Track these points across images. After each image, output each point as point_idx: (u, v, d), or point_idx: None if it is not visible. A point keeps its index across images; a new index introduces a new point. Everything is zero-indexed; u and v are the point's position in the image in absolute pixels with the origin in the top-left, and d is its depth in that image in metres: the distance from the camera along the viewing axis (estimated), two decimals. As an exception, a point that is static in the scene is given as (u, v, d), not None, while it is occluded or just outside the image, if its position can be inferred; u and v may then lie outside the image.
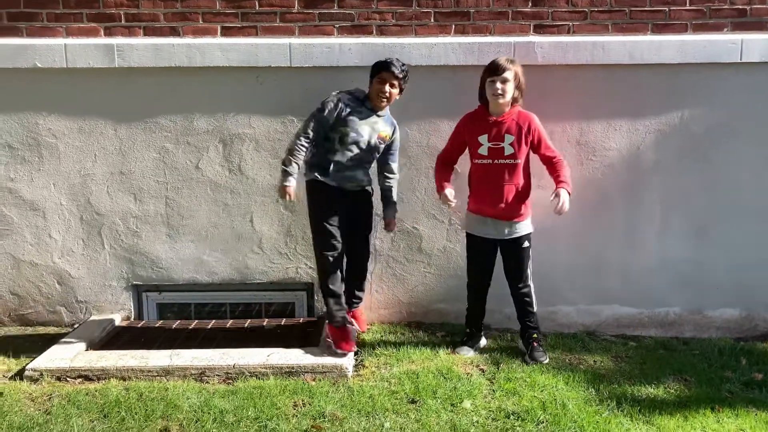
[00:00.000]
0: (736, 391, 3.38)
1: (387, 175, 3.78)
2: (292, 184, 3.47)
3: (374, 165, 3.73)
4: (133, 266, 4.19)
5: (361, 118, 3.50)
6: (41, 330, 4.18)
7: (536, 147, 3.55)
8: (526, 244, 3.61)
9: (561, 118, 3.96)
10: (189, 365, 3.44)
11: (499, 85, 3.42)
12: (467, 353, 3.70)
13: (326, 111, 3.47)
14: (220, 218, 4.14)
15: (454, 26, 3.93)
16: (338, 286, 3.63)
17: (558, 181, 3.48)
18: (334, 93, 3.52)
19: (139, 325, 4.12)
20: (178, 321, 4.19)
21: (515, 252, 3.62)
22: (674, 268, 4.12)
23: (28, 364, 3.49)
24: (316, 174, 3.53)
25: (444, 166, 3.69)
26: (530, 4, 3.92)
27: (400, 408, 3.12)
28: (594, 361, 3.72)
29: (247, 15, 3.93)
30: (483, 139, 3.51)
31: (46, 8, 3.92)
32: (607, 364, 3.69)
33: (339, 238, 3.56)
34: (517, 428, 2.95)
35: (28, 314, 4.24)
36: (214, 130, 4.04)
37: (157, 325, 4.13)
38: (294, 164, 3.46)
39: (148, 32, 3.94)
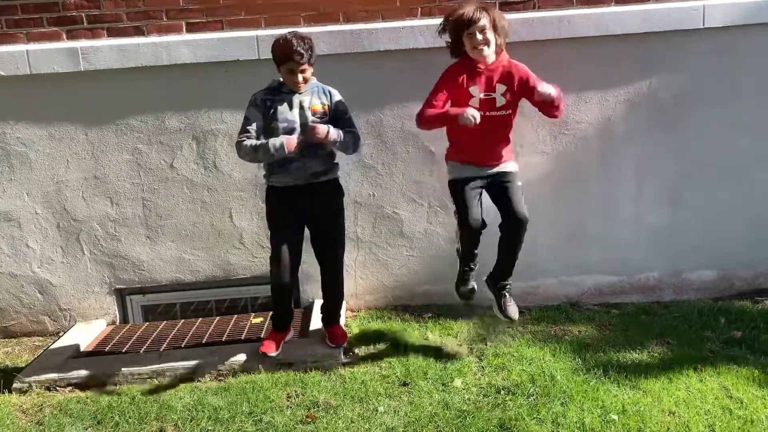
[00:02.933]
0: (717, 350, 3.48)
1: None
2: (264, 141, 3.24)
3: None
4: (114, 270, 4.16)
5: (285, 105, 3.25)
6: (26, 341, 4.14)
7: (529, 87, 3.22)
8: (519, 183, 3.34)
9: (532, 94, 3.99)
10: (179, 365, 3.44)
11: (479, 36, 3.14)
12: (471, 286, 3.50)
13: (250, 117, 3.26)
14: (198, 216, 4.12)
15: (420, 9, 3.93)
16: (280, 296, 3.47)
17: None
18: (250, 100, 3.31)
19: (125, 329, 4.10)
20: (165, 322, 4.17)
21: (507, 188, 3.30)
22: (651, 234, 4.20)
23: (15, 376, 3.47)
24: (269, 180, 3.36)
25: (436, 110, 3.25)
26: (494, -19, 3.93)
27: (393, 391, 3.16)
28: (579, 331, 3.79)
29: (212, 10, 3.88)
30: (474, 90, 3.21)
31: (4, 15, 3.83)
32: (592, 333, 3.76)
33: (289, 248, 3.35)
34: (508, 402, 3.01)
35: (11, 326, 4.19)
36: (187, 128, 4.01)
37: (144, 327, 4.11)
38: (246, 139, 3.24)
39: (112, 33, 3.88)
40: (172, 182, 4.07)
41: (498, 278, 3.47)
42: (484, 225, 3.33)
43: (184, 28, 3.90)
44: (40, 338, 4.15)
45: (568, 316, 4.01)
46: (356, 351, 3.62)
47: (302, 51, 3.15)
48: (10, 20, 3.85)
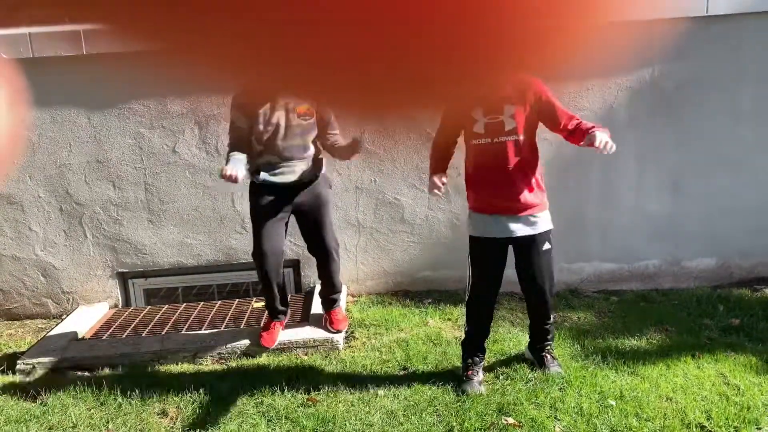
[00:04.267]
0: (714, 338, 3.50)
1: (330, 134, 3.28)
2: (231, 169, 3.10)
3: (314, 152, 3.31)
4: (117, 254, 4.18)
5: (268, 106, 3.15)
6: (29, 323, 4.17)
7: (549, 114, 2.77)
8: (547, 245, 2.88)
9: (534, 80, 3.99)
10: (181, 348, 3.47)
11: None
12: (478, 390, 3.00)
13: (238, 122, 3.20)
14: (200, 201, 4.13)
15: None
16: (270, 288, 3.43)
17: (588, 129, 2.65)
18: (234, 102, 3.23)
19: (127, 312, 4.13)
20: (167, 305, 4.20)
21: (533, 256, 2.89)
22: (651, 222, 4.22)
23: (19, 357, 3.50)
24: (253, 176, 3.31)
25: (439, 154, 2.93)
26: (498, -33, 3.91)
27: (393, 375, 3.19)
28: (578, 317, 3.81)
29: (214, -7, 3.87)
30: (477, 113, 2.77)
31: (7, -3, 3.83)
32: (591, 319, 3.79)
33: (272, 241, 3.33)
34: (507, 387, 3.04)
35: (15, 308, 4.23)
36: (189, 113, 4.01)
37: (146, 311, 4.14)
38: (231, 156, 3.14)
39: (114, 16, 3.87)
40: (174, 167, 4.08)
41: (536, 342, 3.19)
42: (495, 295, 2.99)
43: (186, 12, 3.89)
44: (43, 321, 4.19)
45: (568, 303, 4.03)
46: (357, 335, 3.65)
47: None
48: (13, 2, 3.83)
